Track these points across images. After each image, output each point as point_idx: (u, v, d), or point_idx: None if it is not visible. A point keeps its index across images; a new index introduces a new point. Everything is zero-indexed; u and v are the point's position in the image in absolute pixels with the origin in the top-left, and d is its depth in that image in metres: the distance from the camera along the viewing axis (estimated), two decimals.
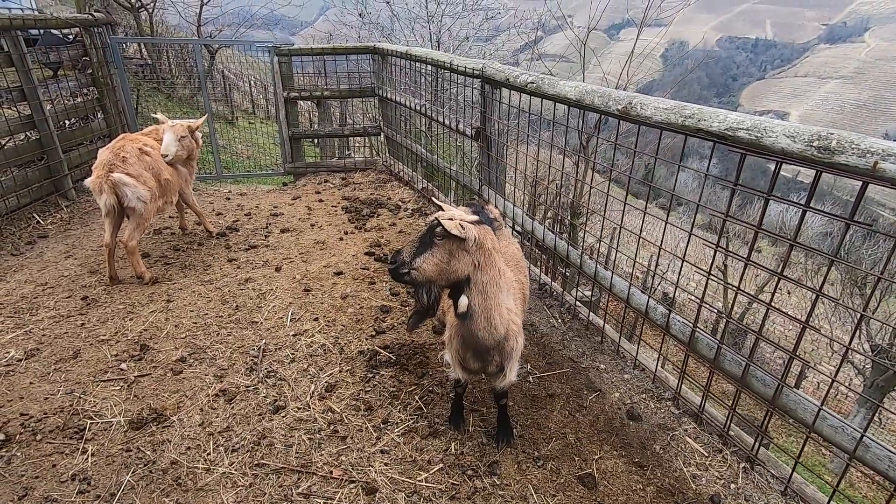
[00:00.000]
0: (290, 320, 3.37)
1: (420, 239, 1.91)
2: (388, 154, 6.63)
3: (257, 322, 3.34)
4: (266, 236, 4.73)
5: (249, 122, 13.09)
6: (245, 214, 5.29)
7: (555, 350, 3.20)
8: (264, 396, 2.68)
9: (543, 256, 4.09)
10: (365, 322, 3.37)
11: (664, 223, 2.74)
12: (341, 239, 4.67)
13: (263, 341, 3.13)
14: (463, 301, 1.93)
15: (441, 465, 2.31)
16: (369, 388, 2.77)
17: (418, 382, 2.83)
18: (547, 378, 2.94)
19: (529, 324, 3.44)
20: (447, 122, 4.70)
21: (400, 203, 5.60)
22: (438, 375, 2.88)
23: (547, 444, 2.47)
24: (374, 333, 3.24)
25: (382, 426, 2.51)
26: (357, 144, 7.53)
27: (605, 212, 3.17)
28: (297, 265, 4.15)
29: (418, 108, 5.24)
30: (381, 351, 3.06)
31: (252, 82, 16.80)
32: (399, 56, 5.57)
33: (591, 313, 3.52)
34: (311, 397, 2.68)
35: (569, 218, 6.11)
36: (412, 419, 2.57)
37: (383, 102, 6.37)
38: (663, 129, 2.45)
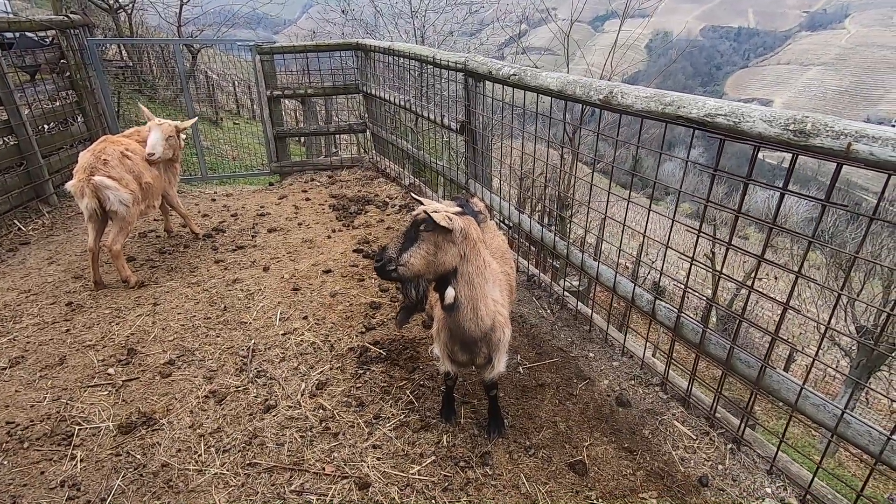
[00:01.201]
0: (280, 319, 3.35)
1: (405, 234, 1.90)
2: (374, 151, 6.61)
3: (246, 322, 3.32)
4: (253, 236, 4.70)
5: (234, 123, 12.94)
6: (231, 215, 5.24)
7: (544, 340, 3.23)
8: (255, 396, 2.67)
9: (532, 248, 4.11)
10: (355, 319, 3.37)
11: (649, 212, 2.76)
12: (329, 237, 4.65)
13: (253, 341, 3.12)
14: (450, 292, 1.93)
15: (433, 457, 2.33)
16: (360, 385, 2.77)
17: (409, 377, 2.84)
18: (537, 368, 2.97)
19: (518, 315, 3.47)
20: (432, 116, 4.69)
21: (387, 199, 5.60)
22: (429, 369, 2.89)
23: (538, 433, 2.49)
24: (364, 330, 3.24)
25: (374, 421, 2.52)
26: (343, 142, 7.50)
27: (589, 202, 3.18)
28: (286, 264, 4.12)
29: (403, 103, 5.23)
30: (372, 347, 3.06)
31: (235, 82, 16.61)
32: (382, 52, 5.55)
33: (580, 303, 3.54)
34: (301, 395, 2.68)
35: (556, 210, 6.13)
36: (403, 413, 2.58)
37: (368, 99, 6.34)
38: (644, 117, 2.48)
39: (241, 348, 3.06)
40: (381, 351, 3.03)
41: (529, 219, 3.81)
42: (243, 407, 2.60)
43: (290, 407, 2.60)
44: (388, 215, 5.18)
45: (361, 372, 2.87)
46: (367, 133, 6.72)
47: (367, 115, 6.55)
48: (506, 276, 2.32)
